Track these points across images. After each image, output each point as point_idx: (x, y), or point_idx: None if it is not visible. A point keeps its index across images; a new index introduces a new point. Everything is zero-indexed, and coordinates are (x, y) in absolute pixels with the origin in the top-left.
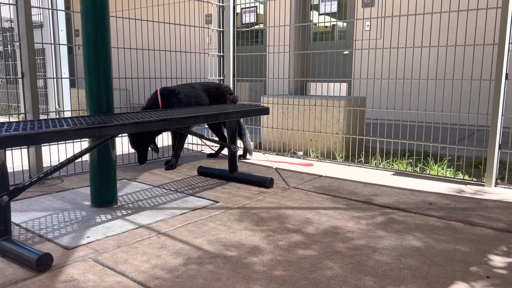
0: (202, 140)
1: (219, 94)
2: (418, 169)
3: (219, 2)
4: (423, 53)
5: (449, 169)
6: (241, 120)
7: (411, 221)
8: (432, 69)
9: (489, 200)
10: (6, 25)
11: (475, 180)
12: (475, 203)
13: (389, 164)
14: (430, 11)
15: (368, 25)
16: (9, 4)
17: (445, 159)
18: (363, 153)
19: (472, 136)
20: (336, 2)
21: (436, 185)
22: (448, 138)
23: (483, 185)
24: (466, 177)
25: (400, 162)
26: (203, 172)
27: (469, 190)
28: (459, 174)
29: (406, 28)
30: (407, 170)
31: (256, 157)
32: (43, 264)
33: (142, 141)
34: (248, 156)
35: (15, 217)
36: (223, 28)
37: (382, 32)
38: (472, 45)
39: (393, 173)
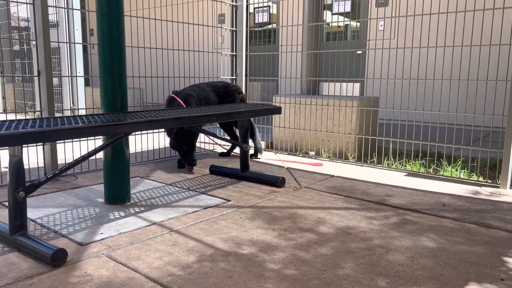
0: (210, 137)
1: (227, 93)
2: (432, 170)
3: (232, 2)
4: (438, 53)
5: (463, 171)
6: (252, 119)
7: (425, 222)
8: (446, 69)
9: (504, 202)
10: (23, 24)
11: (490, 181)
12: (490, 205)
13: (402, 164)
14: (445, 11)
15: (381, 25)
16: (26, 3)
17: (459, 160)
18: (376, 153)
19: (487, 138)
20: (350, 1)
21: (450, 186)
22: (463, 139)
23: (498, 187)
24: (481, 178)
25: (413, 163)
26: (215, 171)
27: (484, 191)
28: (473, 175)
29: (421, 28)
30: (420, 171)
31: (268, 157)
32: (58, 259)
33: (189, 138)
34: (258, 155)
35: (31, 213)
36: (236, 27)
37: (395, 32)
38: (488, 45)
39: (406, 174)
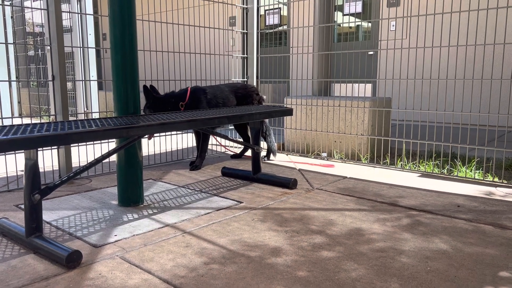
0: (217, 139)
1: (246, 94)
2: (445, 171)
3: (243, 4)
4: (450, 52)
5: (478, 171)
6: (266, 121)
7: (438, 224)
8: (459, 68)
9: None
10: (37, 30)
11: (505, 182)
12: (505, 205)
13: (415, 165)
14: (457, 10)
15: (393, 25)
16: (41, 9)
17: (474, 161)
18: (389, 154)
19: (502, 137)
20: (361, 2)
21: (464, 187)
22: (477, 139)
23: None
24: (496, 179)
25: (426, 164)
26: (227, 172)
27: (499, 192)
28: (488, 176)
29: (433, 28)
30: (434, 171)
31: (280, 158)
32: (72, 261)
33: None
34: (272, 157)
35: (46, 215)
36: (247, 30)
37: (407, 32)
38: (502, 44)
39: (420, 174)
